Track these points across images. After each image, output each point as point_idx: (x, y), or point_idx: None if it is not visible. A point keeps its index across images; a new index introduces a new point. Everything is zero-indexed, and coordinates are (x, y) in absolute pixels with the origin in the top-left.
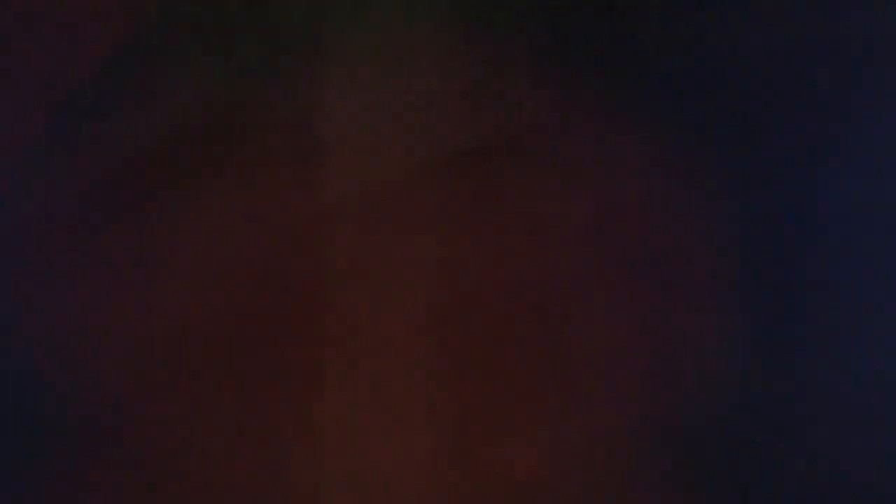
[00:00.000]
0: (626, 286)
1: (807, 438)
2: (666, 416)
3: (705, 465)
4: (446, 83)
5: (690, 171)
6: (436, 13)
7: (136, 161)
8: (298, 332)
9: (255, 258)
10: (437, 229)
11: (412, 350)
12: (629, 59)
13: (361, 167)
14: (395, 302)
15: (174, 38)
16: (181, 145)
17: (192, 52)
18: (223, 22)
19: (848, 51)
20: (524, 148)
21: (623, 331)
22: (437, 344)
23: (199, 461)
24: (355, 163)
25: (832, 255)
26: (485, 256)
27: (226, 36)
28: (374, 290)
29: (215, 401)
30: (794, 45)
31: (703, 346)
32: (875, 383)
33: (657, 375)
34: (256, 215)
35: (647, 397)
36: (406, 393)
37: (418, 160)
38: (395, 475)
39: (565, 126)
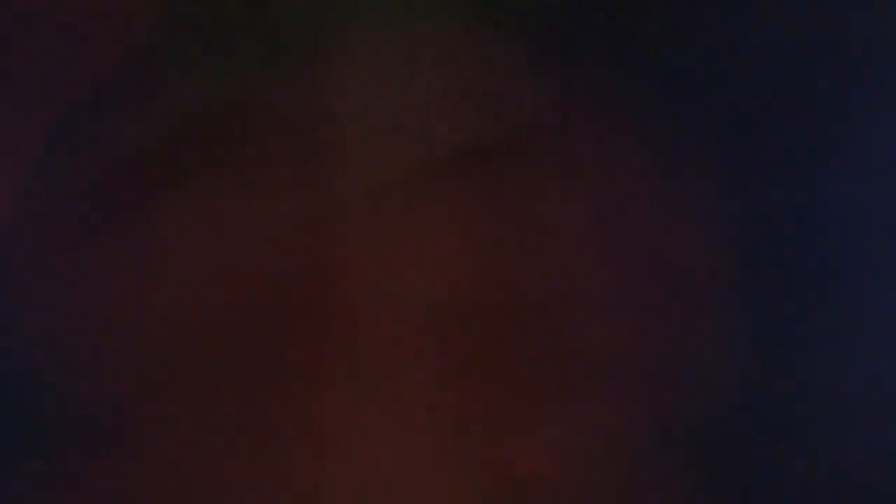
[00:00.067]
0: (626, 286)
1: (807, 438)
2: (666, 416)
3: (705, 465)
4: (446, 83)
5: (690, 171)
6: (436, 13)
7: (136, 161)
8: (298, 332)
9: (255, 258)
10: (436, 229)
11: (412, 350)
12: (629, 59)
13: (361, 167)
14: (394, 302)
15: (174, 38)
16: (181, 145)
17: (192, 52)
18: (223, 22)
19: (848, 51)
20: (524, 148)
21: (623, 331)
22: (437, 344)
23: (199, 461)
24: (355, 163)
25: (832, 255)
26: (485, 256)
27: (226, 36)
28: (374, 289)
29: (215, 401)
30: (794, 45)
31: (703, 346)
32: (875, 383)
33: (657, 375)
34: (256, 215)
35: (647, 397)
36: (406, 393)
37: (418, 160)
38: (395, 475)
39: (565, 126)
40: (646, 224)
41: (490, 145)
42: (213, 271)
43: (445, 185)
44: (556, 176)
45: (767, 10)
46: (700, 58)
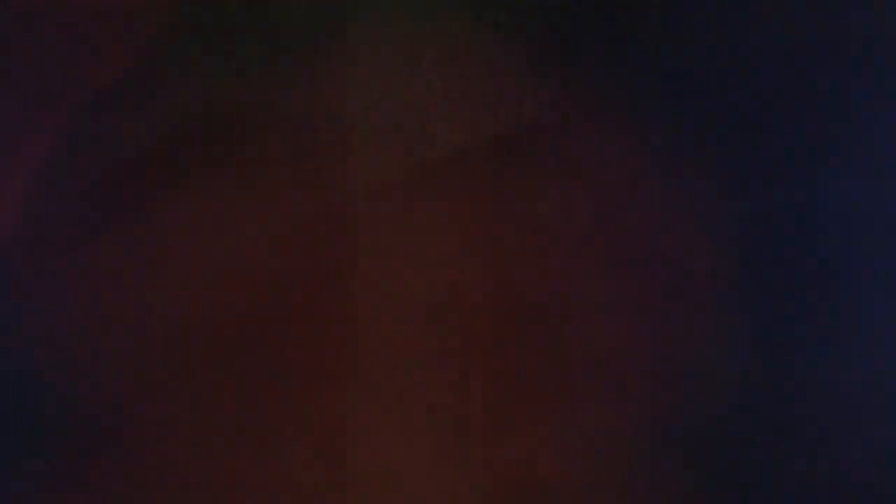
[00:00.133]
0: (626, 286)
1: (807, 438)
2: (666, 416)
3: (705, 465)
4: (446, 83)
5: (690, 171)
6: (436, 13)
7: (136, 161)
8: (298, 332)
9: (255, 258)
10: (436, 229)
11: (412, 350)
12: (629, 59)
13: (361, 167)
14: (394, 302)
15: (174, 38)
16: (181, 145)
17: (192, 52)
18: (223, 22)
19: (848, 51)
20: (524, 148)
21: (623, 331)
22: (437, 344)
23: (199, 461)
24: (355, 163)
25: (832, 255)
26: (485, 256)
27: (226, 36)
28: (374, 289)
29: (215, 401)
30: (794, 45)
31: (703, 346)
32: (875, 383)
33: (657, 375)
34: (256, 215)
35: (647, 397)
36: (406, 393)
37: (418, 160)
38: (395, 475)
39: (565, 126)
40: (646, 224)
41: (490, 145)
42: (213, 271)
43: (445, 185)
44: (556, 176)
45: (767, 10)
46: (700, 58)
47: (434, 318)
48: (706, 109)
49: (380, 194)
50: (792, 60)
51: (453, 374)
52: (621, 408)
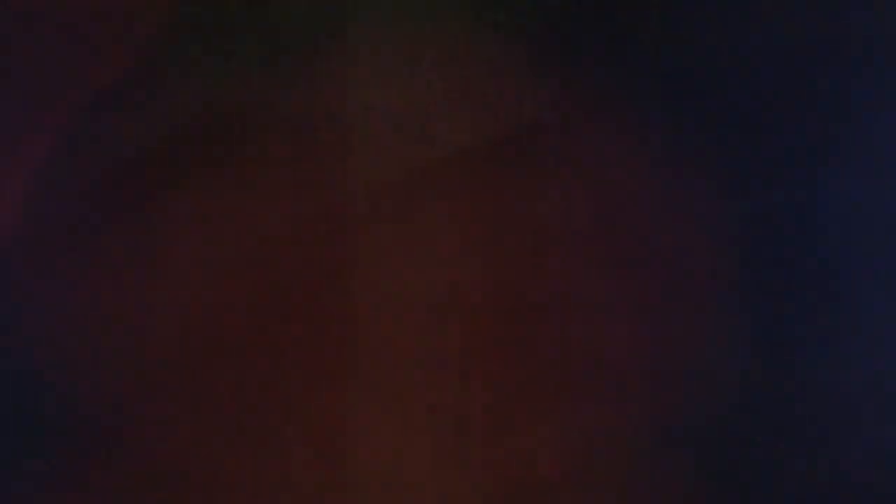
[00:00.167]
0: (626, 286)
1: (807, 438)
2: (666, 416)
3: (705, 465)
4: (446, 83)
5: (690, 171)
6: (436, 13)
7: (136, 161)
8: (299, 333)
9: (255, 258)
10: (436, 229)
11: (412, 350)
12: (629, 59)
13: (361, 167)
14: (394, 302)
15: (174, 38)
16: (181, 145)
17: (192, 52)
18: (223, 22)
19: (848, 51)
20: (524, 148)
21: (623, 331)
22: (437, 344)
23: (199, 461)
24: (355, 163)
25: (832, 255)
26: (484, 256)
27: (226, 36)
28: (374, 289)
29: (215, 401)
30: (794, 45)
31: (703, 346)
32: (875, 383)
33: (657, 375)
34: (256, 215)
35: (647, 397)
36: (406, 393)
37: (418, 160)
38: (395, 475)
39: (565, 126)
40: (646, 224)
41: (490, 145)
42: (213, 271)
43: (445, 185)
44: (556, 176)
45: (767, 10)
46: (700, 58)
47: (434, 318)
48: (706, 109)
49: (380, 194)
50: (792, 60)
51: (453, 374)
52: (621, 408)
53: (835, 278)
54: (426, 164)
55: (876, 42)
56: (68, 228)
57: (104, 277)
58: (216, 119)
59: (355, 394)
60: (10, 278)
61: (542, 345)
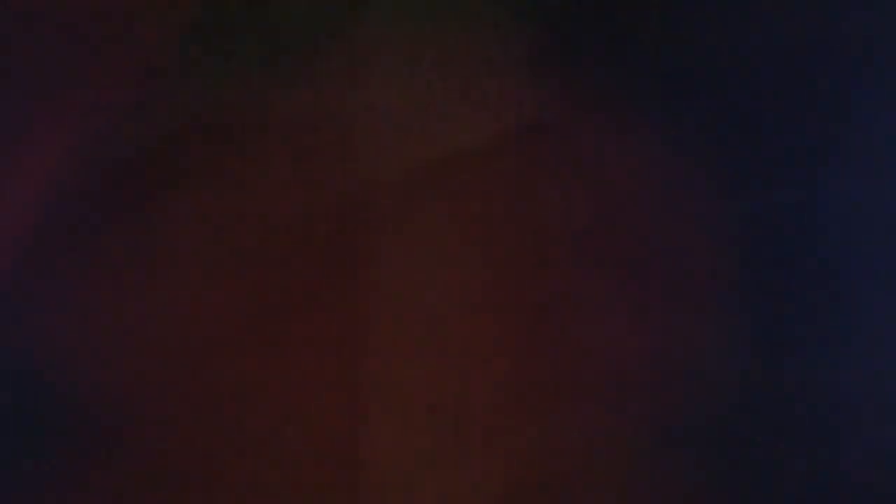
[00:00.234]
0: (626, 286)
1: (807, 438)
2: (666, 416)
3: (705, 465)
4: (446, 83)
5: (690, 171)
6: (436, 13)
7: (136, 161)
8: (298, 333)
9: (255, 259)
10: (436, 229)
11: (412, 350)
12: (629, 59)
13: (361, 167)
14: (394, 302)
15: (174, 38)
16: (181, 145)
17: (192, 52)
18: (223, 22)
19: (848, 51)
20: (524, 148)
21: (623, 331)
22: (436, 344)
23: (199, 461)
24: (355, 163)
25: (832, 255)
26: (484, 256)
27: (226, 36)
28: (374, 289)
29: (215, 401)
30: (794, 45)
31: (703, 346)
32: (875, 383)
33: (657, 375)
34: (256, 216)
35: (647, 397)
36: (406, 393)
37: (418, 160)
38: (393, 475)
39: (565, 126)
40: (645, 224)
41: (490, 145)
42: (214, 271)
43: (445, 185)
44: (556, 176)
45: (767, 10)
46: (700, 58)
47: (434, 319)
48: (706, 109)
49: (379, 194)
50: (792, 60)
51: (453, 373)
52: (621, 408)
53: (835, 278)
54: (426, 164)
55: (876, 42)
56: (68, 228)
57: (104, 277)
58: (216, 119)
59: (355, 394)
60: (10, 278)
61: (543, 344)
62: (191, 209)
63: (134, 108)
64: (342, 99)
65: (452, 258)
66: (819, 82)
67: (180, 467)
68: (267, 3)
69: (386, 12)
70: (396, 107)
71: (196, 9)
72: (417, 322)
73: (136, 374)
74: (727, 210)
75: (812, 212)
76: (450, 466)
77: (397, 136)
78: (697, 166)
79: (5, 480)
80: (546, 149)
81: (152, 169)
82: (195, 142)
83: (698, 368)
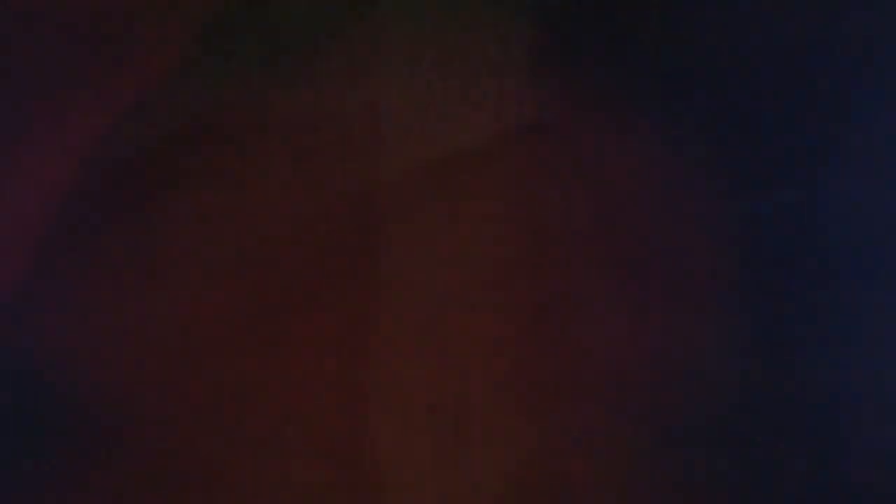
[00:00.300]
0: (626, 286)
1: (807, 438)
2: (666, 416)
3: (705, 465)
4: (446, 83)
5: (690, 171)
6: (435, 13)
7: (136, 161)
8: (298, 333)
9: (255, 259)
10: (436, 229)
11: (411, 350)
12: (629, 59)
13: (361, 167)
14: (394, 302)
15: (174, 38)
16: (181, 145)
17: (193, 52)
18: (223, 22)
19: (848, 51)
20: (524, 148)
21: (623, 331)
22: (436, 344)
23: (199, 461)
24: (355, 163)
25: (832, 255)
26: (484, 256)
27: (226, 36)
28: (374, 289)
29: (215, 401)
30: (794, 45)
31: (703, 346)
32: (875, 383)
33: (657, 375)
34: (256, 216)
35: (647, 397)
36: (406, 392)
37: (418, 160)
38: (393, 475)
39: (565, 126)
40: (645, 224)
41: (490, 145)
42: (214, 271)
43: (445, 185)
44: (556, 176)
45: (767, 10)
46: (700, 58)
47: (434, 319)
48: (706, 109)
49: (380, 195)
50: (792, 60)
51: (453, 374)
52: (621, 408)
53: (835, 278)
54: (426, 164)
55: (876, 42)
56: (68, 228)
57: (104, 277)
58: (216, 119)
59: (355, 394)
60: (10, 278)
61: (542, 344)
62: (191, 209)
63: (134, 108)
64: (342, 99)
65: (452, 258)
66: (819, 82)
67: (180, 467)
68: (267, 3)
69: (386, 12)
70: (396, 107)
71: (196, 9)
72: (417, 322)
73: (136, 375)
74: (727, 210)
75: (812, 212)
76: (450, 466)
77: (397, 136)
78: (697, 166)
79: (5, 480)
80: (546, 149)
81: (152, 169)
82: (195, 142)
83: (698, 368)
